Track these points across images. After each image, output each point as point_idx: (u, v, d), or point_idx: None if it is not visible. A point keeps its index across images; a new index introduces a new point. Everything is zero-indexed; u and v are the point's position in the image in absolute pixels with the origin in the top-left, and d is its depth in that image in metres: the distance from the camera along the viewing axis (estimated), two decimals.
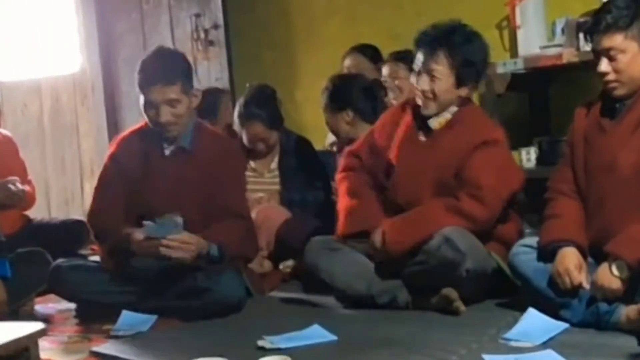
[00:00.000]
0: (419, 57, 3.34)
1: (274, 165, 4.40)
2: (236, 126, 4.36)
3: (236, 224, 3.52)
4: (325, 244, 3.48)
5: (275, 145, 4.40)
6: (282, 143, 4.41)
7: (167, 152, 3.58)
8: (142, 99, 3.51)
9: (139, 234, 3.31)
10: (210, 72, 5.42)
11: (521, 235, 3.43)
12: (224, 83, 5.24)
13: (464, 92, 3.35)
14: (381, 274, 3.35)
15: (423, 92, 3.32)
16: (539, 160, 4.01)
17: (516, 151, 4.08)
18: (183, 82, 3.49)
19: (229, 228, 3.48)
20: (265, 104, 4.33)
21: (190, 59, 5.38)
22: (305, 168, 4.35)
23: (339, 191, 3.57)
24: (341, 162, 3.63)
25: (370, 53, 4.55)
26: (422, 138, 3.40)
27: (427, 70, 3.30)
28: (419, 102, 3.35)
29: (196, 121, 3.65)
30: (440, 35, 3.31)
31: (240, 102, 4.37)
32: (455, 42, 3.30)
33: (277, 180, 4.36)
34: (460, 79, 3.32)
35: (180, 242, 3.29)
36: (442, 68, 3.29)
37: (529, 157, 4.05)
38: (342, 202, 3.49)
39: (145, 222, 3.30)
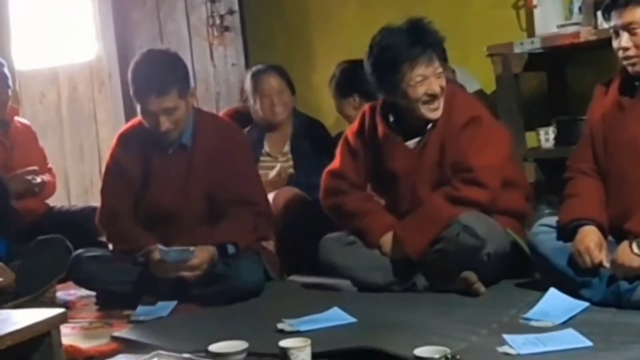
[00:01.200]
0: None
1: (287, 148, 4.39)
2: (249, 98, 4.38)
3: (246, 212, 3.51)
4: (338, 240, 3.47)
5: (288, 120, 4.39)
6: (295, 125, 4.40)
7: (169, 150, 3.55)
8: (139, 107, 3.46)
9: (156, 254, 3.33)
10: (227, 58, 5.41)
11: (529, 200, 3.45)
12: (240, 68, 5.22)
13: None
14: (398, 263, 3.34)
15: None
16: (558, 140, 3.98)
17: (534, 131, 4.06)
18: (179, 88, 3.42)
19: (239, 220, 3.48)
20: (277, 66, 4.42)
21: (206, 45, 5.47)
22: (317, 151, 4.33)
23: (339, 214, 3.48)
24: (323, 182, 3.55)
25: None
26: (410, 144, 3.35)
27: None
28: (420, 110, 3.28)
29: (196, 113, 3.60)
30: None
31: (250, 71, 4.44)
32: None
33: (291, 163, 4.36)
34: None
35: (193, 268, 3.31)
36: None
37: (547, 137, 4.02)
38: (357, 222, 3.42)
39: (160, 248, 3.32)
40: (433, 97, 3.26)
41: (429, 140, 3.32)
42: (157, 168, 3.55)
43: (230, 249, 3.41)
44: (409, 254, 3.25)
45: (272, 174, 4.23)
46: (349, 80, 4.09)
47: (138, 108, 3.48)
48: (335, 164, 3.55)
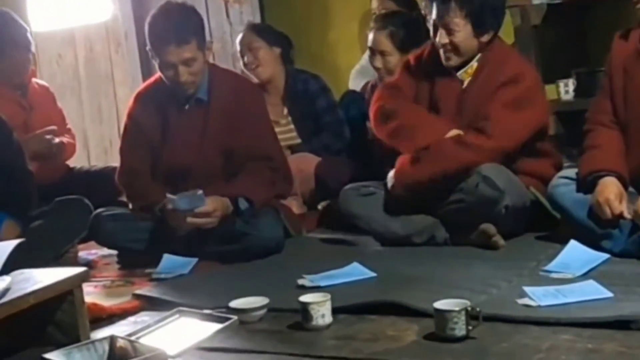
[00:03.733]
0: (433, 10, 3.27)
1: (285, 111, 4.37)
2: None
3: (263, 167, 3.51)
4: (357, 190, 3.48)
5: (278, 79, 4.37)
6: (288, 84, 4.37)
7: (186, 106, 3.54)
8: (157, 60, 3.44)
9: (168, 204, 3.33)
10: (242, 15, 5.38)
11: (559, 171, 3.39)
12: None
13: (485, 38, 3.28)
14: (417, 214, 3.34)
15: (443, 45, 3.26)
16: (577, 92, 3.96)
17: (554, 84, 4.03)
18: (197, 39, 3.41)
19: (255, 175, 3.47)
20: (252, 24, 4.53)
21: (221, 2, 5.43)
22: (313, 109, 4.30)
23: (390, 116, 3.40)
24: (377, 92, 3.53)
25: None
26: (462, 85, 3.34)
27: (442, 24, 3.24)
28: (441, 55, 3.29)
29: (211, 68, 3.59)
30: None
31: None
32: None
33: (292, 126, 4.34)
34: (478, 26, 3.24)
35: (205, 213, 3.31)
36: (458, 19, 3.22)
37: (567, 89, 3.99)
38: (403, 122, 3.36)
39: (169, 196, 3.32)
40: (441, 46, 3.25)
41: (469, 91, 3.30)
42: (174, 124, 3.55)
43: (242, 204, 3.40)
44: (400, 183, 3.25)
45: None
46: (412, 32, 3.86)
47: (156, 63, 3.47)
48: (394, 77, 3.56)
